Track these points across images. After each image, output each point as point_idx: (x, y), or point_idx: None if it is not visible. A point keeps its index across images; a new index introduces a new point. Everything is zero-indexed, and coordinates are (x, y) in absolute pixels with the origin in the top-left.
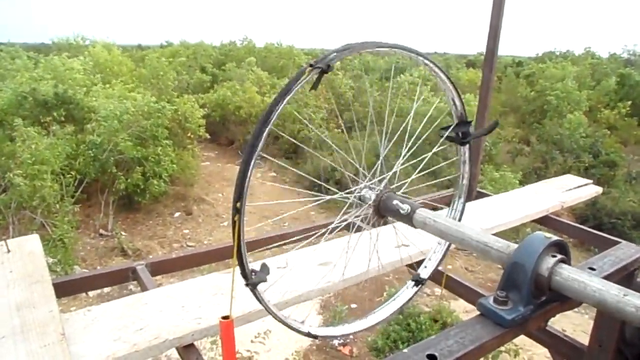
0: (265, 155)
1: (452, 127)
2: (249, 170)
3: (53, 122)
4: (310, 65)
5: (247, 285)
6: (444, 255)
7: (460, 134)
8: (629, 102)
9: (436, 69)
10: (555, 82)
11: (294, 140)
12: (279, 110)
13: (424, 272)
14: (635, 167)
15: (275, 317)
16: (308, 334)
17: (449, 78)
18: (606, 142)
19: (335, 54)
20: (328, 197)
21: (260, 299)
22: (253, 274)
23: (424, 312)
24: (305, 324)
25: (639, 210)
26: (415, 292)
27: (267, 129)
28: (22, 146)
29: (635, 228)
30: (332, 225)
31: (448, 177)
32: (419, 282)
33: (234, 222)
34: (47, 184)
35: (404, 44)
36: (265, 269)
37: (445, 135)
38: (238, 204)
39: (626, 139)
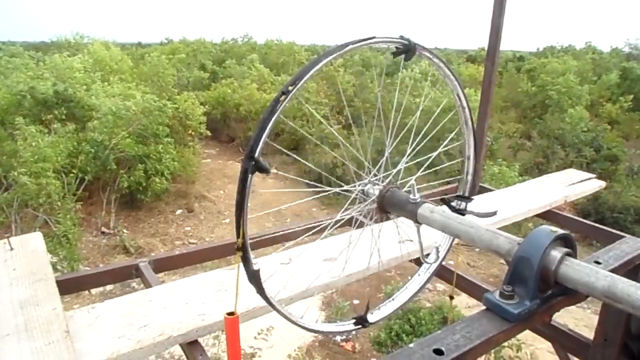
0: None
1: (454, 195)
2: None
3: (54, 120)
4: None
5: (250, 160)
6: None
7: (458, 206)
8: (631, 97)
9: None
10: (556, 77)
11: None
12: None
13: (372, 317)
14: (638, 162)
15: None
16: (267, 299)
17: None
18: (608, 137)
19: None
20: (332, 190)
21: (248, 187)
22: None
23: (425, 307)
24: (272, 291)
25: None
26: (352, 330)
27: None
28: (23, 144)
29: (637, 222)
30: (336, 219)
31: (451, 175)
32: (360, 323)
33: (276, 100)
34: (51, 182)
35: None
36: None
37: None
38: (291, 87)
39: (628, 133)
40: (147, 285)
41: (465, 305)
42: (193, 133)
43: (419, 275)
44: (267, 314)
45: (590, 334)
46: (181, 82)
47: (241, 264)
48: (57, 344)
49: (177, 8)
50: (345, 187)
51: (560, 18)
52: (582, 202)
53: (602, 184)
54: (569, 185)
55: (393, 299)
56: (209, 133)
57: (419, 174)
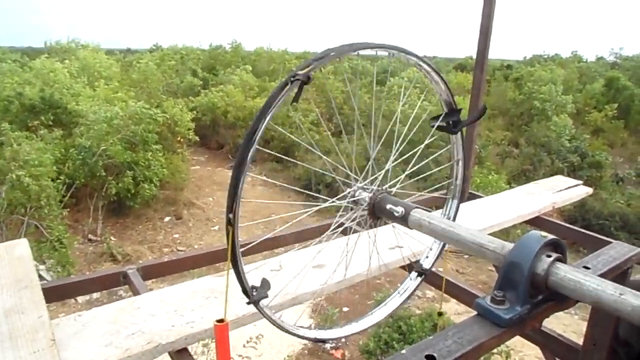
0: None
1: (442, 116)
2: (240, 185)
3: (41, 126)
4: (292, 78)
5: (249, 303)
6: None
7: (451, 123)
8: (616, 105)
9: (422, 64)
10: (542, 85)
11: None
12: (263, 126)
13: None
14: (622, 169)
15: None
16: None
17: (437, 73)
18: (594, 144)
19: (314, 62)
20: (322, 205)
21: (263, 314)
22: (254, 290)
23: (415, 314)
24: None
25: (626, 211)
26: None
27: (253, 147)
28: (17, 150)
29: (622, 229)
30: (328, 233)
31: (439, 181)
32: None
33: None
34: (50, 184)
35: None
36: (266, 284)
37: (436, 125)
38: (230, 215)
39: (613, 141)
40: (135, 292)
41: (455, 311)
42: (182, 139)
43: (410, 279)
44: (257, 322)
45: (578, 340)
46: (170, 88)
47: (231, 271)
48: (43, 352)
49: (167, 14)
50: (335, 199)
51: (547, 27)
52: (569, 209)
53: (589, 190)
54: (557, 192)
55: (372, 314)
56: (197, 139)
57: (406, 173)
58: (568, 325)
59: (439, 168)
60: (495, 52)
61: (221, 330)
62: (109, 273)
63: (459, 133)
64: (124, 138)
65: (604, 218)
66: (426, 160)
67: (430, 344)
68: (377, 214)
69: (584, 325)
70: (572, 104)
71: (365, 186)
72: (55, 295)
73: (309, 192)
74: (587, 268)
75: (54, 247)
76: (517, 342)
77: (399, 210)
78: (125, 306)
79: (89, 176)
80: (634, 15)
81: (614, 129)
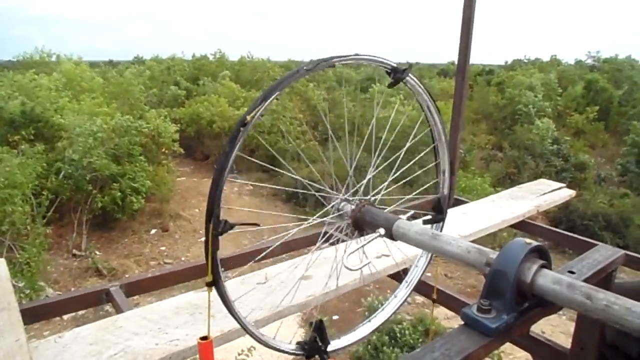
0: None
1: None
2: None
3: (22, 141)
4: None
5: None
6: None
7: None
8: (597, 108)
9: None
10: (523, 89)
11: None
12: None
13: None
14: (604, 170)
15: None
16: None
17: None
18: (575, 146)
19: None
20: (306, 224)
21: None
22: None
23: (405, 320)
24: (250, 313)
25: (609, 211)
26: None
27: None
28: None
29: (606, 229)
30: (309, 222)
31: (427, 190)
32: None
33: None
34: (17, 209)
35: (379, 56)
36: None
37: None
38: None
39: (594, 142)
40: (119, 310)
41: (444, 316)
42: (166, 151)
43: (395, 296)
44: (245, 335)
45: (566, 340)
46: (152, 99)
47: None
48: None
49: (148, 25)
50: (319, 214)
51: (527, 32)
52: (553, 211)
53: (572, 193)
54: (541, 195)
55: (369, 321)
56: (182, 151)
57: (387, 182)
58: (556, 326)
59: (423, 170)
60: (477, 57)
61: (205, 347)
62: (90, 291)
63: (445, 144)
64: (109, 151)
65: (588, 219)
66: (410, 163)
67: (417, 357)
68: (361, 225)
69: (571, 326)
70: (550, 109)
71: (349, 197)
72: (35, 316)
73: (297, 198)
74: (572, 273)
75: (22, 271)
76: (506, 345)
77: (382, 223)
78: (107, 325)
79: (74, 190)
80: (609, 19)
81: (594, 131)
